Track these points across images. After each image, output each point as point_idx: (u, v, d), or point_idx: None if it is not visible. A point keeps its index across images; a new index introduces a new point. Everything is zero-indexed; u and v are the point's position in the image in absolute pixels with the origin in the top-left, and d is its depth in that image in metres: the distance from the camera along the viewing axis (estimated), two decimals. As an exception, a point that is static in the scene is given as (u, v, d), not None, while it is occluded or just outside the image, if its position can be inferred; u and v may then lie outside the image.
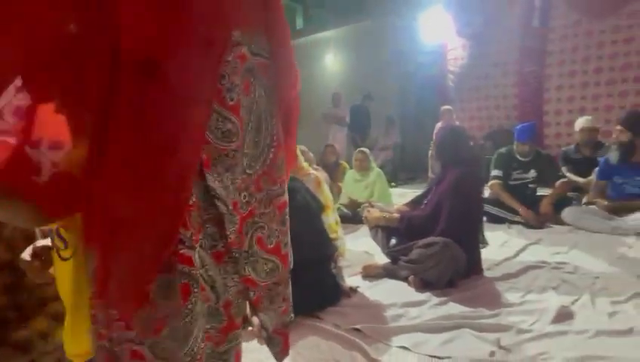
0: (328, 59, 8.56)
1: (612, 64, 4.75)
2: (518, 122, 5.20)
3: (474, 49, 5.88)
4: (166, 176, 0.65)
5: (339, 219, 2.74)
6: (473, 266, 2.15)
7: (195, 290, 0.67)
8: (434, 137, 2.43)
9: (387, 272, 2.24)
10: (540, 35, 5.20)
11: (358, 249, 2.84)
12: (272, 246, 0.82)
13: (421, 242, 2.05)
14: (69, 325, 0.95)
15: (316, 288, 1.79)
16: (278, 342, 0.88)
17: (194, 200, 0.69)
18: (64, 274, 0.99)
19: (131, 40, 0.61)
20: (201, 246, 0.70)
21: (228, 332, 0.76)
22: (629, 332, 1.55)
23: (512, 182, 3.34)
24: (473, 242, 2.17)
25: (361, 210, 3.36)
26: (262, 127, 0.79)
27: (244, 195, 0.76)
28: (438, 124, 5.38)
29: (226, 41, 0.70)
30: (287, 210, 0.87)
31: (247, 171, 0.77)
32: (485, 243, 2.27)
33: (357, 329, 1.64)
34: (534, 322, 1.67)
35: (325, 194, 2.58)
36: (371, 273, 2.27)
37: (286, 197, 0.86)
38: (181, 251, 0.66)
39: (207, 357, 0.74)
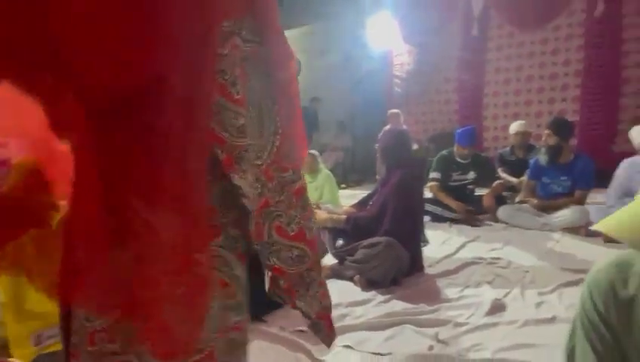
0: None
1: (541, 73, 5.14)
2: (459, 126, 5.48)
3: (418, 56, 6.13)
4: (179, 185, 0.65)
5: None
6: (415, 264, 2.23)
7: None
8: (378, 140, 2.49)
9: (334, 273, 2.27)
10: (479, 44, 5.52)
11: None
12: (294, 233, 0.82)
13: (366, 242, 2.10)
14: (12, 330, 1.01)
15: (262, 291, 1.77)
16: (322, 327, 0.88)
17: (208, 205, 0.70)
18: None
19: (124, 53, 0.60)
20: (224, 246, 0.73)
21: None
22: (552, 320, 1.69)
23: (452, 183, 3.51)
24: (415, 241, 2.25)
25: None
26: (263, 116, 0.78)
27: (256, 186, 0.76)
28: (386, 128, 5.54)
29: (217, 33, 0.68)
30: (307, 194, 0.86)
31: (256, 162, 0.76)
32: (426, 241, 2.37)
33: (302, 331, 1.65)
34: (470, 315, 1.77)
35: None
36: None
37: (302, 182, 0.85)
38: None
39: (238, 346, 0.78)
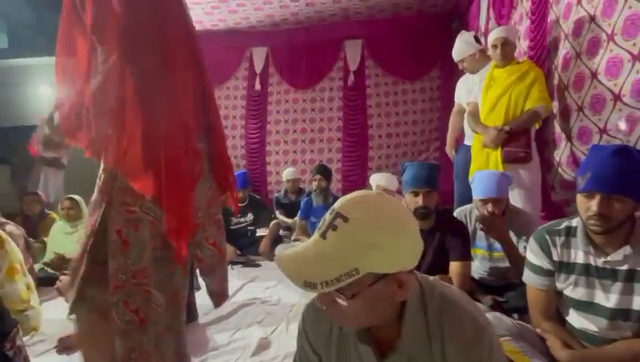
0: (43, 91, 7.28)
1: (312, 127, 5.97)
2: (247, 170, 5.76)
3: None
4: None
5: (32, 283, 2.27)
6: (188, 315, 2.14)
7: None
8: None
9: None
10: (261, 96, 6.03)
11: (62, 317, 2.39)
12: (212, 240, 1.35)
13: (129, 298, 1.90)
14: None
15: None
16: (216, 300, 1.48)
17: None
18: None
19: None
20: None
21: None
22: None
23: (232, 227, 3.61)
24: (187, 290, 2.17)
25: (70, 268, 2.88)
26: None
27: None
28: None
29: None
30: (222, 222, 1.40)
31: None
32: (198, 287, 2.32)
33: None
34: (237, 359, 1.79)
35: (11, 256, 2.11)
36: (70, 344, 1.95)
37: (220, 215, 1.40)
38: None
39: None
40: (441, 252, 1.93)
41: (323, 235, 0.71)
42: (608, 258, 1.25)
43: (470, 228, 2.17)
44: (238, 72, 6.10)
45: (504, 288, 2.15)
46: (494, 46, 2.62)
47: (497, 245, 2.17)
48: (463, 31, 3.36)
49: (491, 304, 2.00)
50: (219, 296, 1.35)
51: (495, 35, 2.63)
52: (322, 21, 5.59)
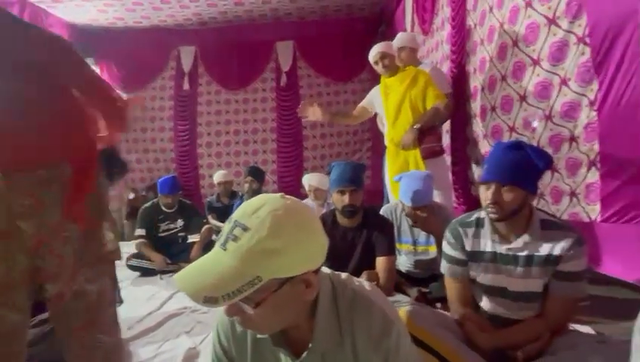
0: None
1: (245, 128, 5.88)
2: (177, 173, 5.52)
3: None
4: None
5: None
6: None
7: None
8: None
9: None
10: (191, 97, 5.82)
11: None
12: None
13: (37, 319, 1.74)
14: None
15: None
16: None
17: None
18: None
19: None
20: None
21: None
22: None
23: (161, 234, 3.42)
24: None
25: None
26: None
27: None
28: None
29: None
30: None
31: None
32: (120, 301, 2.17)
33: None
34: (162, 373, 1.70)
35: None
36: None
37: None
38: None
39: None
40: (368, 248, 1.99)
41: (223, 246, 0.68)
42: (510, 245, 1.36)
43: (396, 225, 2.25)
44: (165, 71, 5.84)
45: (429, 279, 2.26)
46: (375, 62, 2.78)
47: (421, 239, 2.28)
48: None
49: (417, 295, 2.09)
50: (59, 298, 1.28)
51: (372, 53, 2.79)
52: (252, 21, 5.53)
